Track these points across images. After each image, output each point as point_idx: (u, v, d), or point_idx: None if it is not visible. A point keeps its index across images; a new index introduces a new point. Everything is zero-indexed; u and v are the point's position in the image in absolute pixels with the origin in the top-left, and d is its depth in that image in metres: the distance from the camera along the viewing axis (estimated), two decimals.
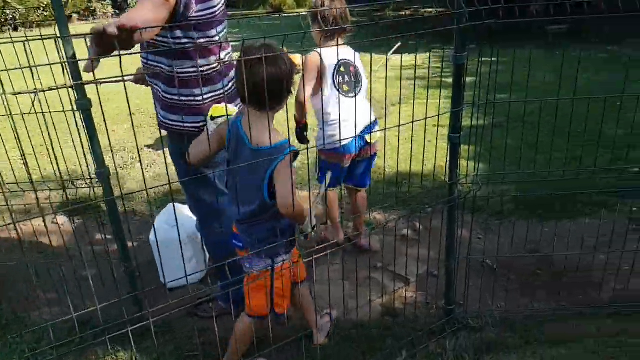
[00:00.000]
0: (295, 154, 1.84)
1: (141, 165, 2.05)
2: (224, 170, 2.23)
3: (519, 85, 6.39)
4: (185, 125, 2.16)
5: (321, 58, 2.62)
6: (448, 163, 2.11)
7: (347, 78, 2.76)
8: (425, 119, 2.13)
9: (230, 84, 2.29)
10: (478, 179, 2.15)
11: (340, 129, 2.58)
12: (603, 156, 4.00)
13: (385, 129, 3.69)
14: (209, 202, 2.35)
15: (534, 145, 3.02)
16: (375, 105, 5.37)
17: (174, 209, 1.74)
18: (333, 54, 2.65)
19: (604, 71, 7.14)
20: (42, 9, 19.15)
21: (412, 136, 3.06)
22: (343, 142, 2.73)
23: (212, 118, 2.08)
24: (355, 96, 2.78)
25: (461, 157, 4.54)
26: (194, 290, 2.79)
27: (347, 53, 2.79)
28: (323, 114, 2.75)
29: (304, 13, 2.82)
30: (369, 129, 2.85)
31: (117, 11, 22.34)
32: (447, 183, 2.15)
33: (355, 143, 2.78)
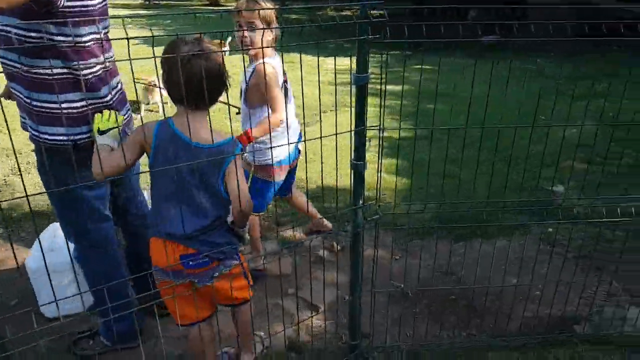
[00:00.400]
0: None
1: (19, 170, 1.73)
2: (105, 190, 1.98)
3: (448, 96, 6.53)
4: (57, 138, 1.87)
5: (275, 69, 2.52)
6: (352, 188, 1.94)
7: (285, 91, 2.64)
8: (336, 134, 1.93)
9: (115, 93, 2.02)
10: (379, 209, 1.97)
11: (288, 140, 2.55)
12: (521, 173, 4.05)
13: (320, 137, 3.51)
14: (89, 228, 2.06)
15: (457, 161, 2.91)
16: (307, 111, 5.14)
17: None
18: (277, 63, 2.52)
19: (535, 83, 7.37)
20: None
21: (336, 148, 2.88)
22: (285, 154, 2.69)
23: (100, 132, 1.82)
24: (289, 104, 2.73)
25: (385, 171, 4.60)
26: (80, 322, 2.49)
27: (279, 61, 2.55)
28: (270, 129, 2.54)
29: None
30: (300, 136, 2.87)
31: None
32: (353, 208, 1.97)
33: (295, 153, 2.86)
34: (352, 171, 1.87)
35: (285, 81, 2.61)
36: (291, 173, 2.95)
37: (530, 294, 2.72)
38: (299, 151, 2.91)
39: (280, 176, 2.74)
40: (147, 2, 19.26)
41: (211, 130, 1.64)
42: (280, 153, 2.63)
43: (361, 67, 1.70)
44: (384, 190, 3.98)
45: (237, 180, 1.71)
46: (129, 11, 17.15)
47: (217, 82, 1.70)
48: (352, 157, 1.85)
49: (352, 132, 1.81)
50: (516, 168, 4.14)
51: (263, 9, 2.42)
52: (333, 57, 9.08)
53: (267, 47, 2.46)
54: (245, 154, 2.67)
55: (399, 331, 2.49)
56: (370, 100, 6.29)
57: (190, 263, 1.77)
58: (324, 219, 3.37)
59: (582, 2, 11.36)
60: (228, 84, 1.76)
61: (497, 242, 3.26)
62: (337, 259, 3.15)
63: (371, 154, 4.69)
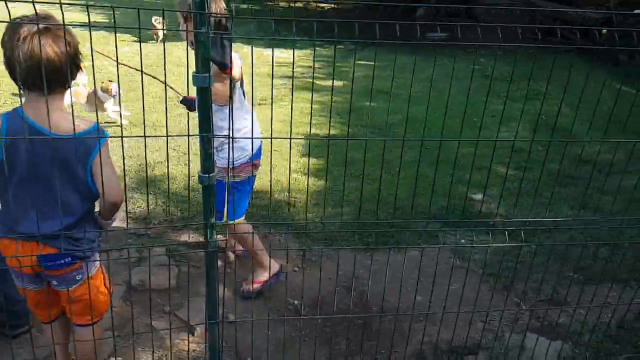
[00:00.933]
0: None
1: None
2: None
3: (387, 94, 6.31)
4: None
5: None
6: (203, 204, 1.62)
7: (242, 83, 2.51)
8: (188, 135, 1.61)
9: None
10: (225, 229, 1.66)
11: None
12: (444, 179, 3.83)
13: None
14: None
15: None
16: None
17: None
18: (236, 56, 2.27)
19: (476, 81, 7.24)
20: None
21: (271, 150, 2.59)
22: (254, 147, 2.53)
23: None
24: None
25: (301, 172, 4.29)
26: None
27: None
28: (232, 126, 2.11)
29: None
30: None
31: None
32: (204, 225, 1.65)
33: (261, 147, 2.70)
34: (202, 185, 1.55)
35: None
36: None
37: (434, 315, 2.50)
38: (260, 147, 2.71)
39: (254, 171, 2.61)
40: None
41: (73, 119, 1.47)
42: (250, 148, 2.44)
43: (199, 64, 1.37)
44: (297, 192, 3.69)
45: (107, 171, 1.57)
46: None
47: (65, 63, 1.49)
48: (200, 170, 1.53)
49: (191, 138, 1.48)
50: (445, 173, 3.96)
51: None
52: (271, 49, 8.72)
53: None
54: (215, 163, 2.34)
55: (283, 356, 2.21)
56: (306, 95, 5.95)
57: (50, 264, 1.64)
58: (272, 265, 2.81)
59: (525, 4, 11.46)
60: (82, 67, 1.61)
61: (407, 252, 3.02)
62: (234, 267, 2.84)
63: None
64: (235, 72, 2.26)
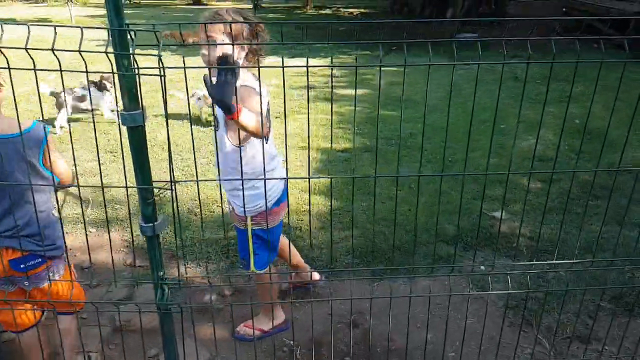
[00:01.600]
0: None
1: None
2: None
3: (410, 101, 6.03)
4: None
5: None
6: (150, 259, 1.44)
7: (269, 119, 2.10)
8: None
9: None
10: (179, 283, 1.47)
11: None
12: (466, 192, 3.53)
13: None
14: None
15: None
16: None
17: None
18: (256, 84, 1.92)
19: (505, 86, 6.85)
20: None
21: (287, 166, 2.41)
22: (279, 190, 2.15)
23: None
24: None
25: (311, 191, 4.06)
26: None
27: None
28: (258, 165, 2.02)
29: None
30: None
31: None
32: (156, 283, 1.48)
33: (286, 187, 2.19)
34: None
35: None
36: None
37: (445, 354, 2.24)
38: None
39: (279, 217, 2.21)
40: (128, 2, 18.77)
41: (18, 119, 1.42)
42: (274, 191, 2.11)
43: (126, 98, 1.20)
44: (303, 213, 3.48)
45: (55, 155, 1.73)
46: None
47: None
48: (140, 219, 1.36)
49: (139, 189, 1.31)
50: (465, 184, 3.66)
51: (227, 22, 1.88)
52: (294, 59, 8.60)
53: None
54: (234, 209, 2.16)
55: None
56: (326, 106, 5.75)
57: (22, 266, 1.70)
58: (312, 270, 2.68)
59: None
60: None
61: (418, 281, 2.76)
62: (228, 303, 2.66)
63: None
64: (250, 122, 1.72)
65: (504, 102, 5.70)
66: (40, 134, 1.69)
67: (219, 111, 1.97)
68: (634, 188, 1.76)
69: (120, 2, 1.18)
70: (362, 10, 15.33)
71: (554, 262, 1.94)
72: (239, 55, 1.95)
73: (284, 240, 2.48)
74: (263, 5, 14.89)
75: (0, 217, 1.64)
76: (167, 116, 1.32)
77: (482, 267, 2.88)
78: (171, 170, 1.28)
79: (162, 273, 1.38)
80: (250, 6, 13.72)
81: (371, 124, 5.24)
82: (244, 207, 1.98)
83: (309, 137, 1.41)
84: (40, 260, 1.71)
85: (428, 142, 4.67)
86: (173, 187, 1.29)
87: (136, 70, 1.18)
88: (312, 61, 8.58)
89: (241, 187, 1.78)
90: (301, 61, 8.56)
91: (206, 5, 18.22)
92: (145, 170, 1.26)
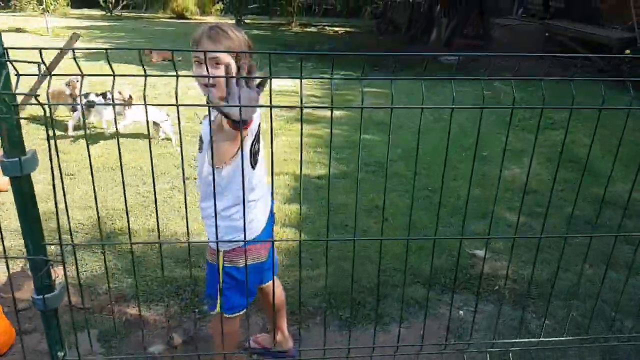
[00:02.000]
0: None
1: None
2: None
3: (395, 125, 5.83)
4: None
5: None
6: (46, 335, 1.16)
7: (259, 142, 1.84)
8: None
9: None
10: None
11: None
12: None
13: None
14: None
15: None
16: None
17: None
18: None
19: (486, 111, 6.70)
20: None
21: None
22: (261, 225, 1.89)
23: None
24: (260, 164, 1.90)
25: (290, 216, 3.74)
26: None
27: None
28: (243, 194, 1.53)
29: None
30: (272, 203, 1.97)
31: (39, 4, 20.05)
32: None
33: (271, 221, 1.98)
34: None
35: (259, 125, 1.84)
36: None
37: None
38: (274, 219, 2.06)
39: (259, 257, 1.93)
40: (109, 14, 18.51)
41: None
42: (253, 225, 1.85)
43: (7, 143, 0.94)
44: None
45: None
46: (91, 22, 16.39)
47: None
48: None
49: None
50: (444, 218, 3.42)
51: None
52: (277, 79, 8.33)
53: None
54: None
55: None
56: (304, 127, 5.47)
57: None
58: (288, 338, 2.38)
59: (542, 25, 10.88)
60: None
61: (391, 329, 2.51)
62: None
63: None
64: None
65: (486, 128, 5.54)
66: None
67: (204, 131, 1.75)
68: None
69: None
70: (348, 29, 15.27)
71: (540, 339, 1.70)
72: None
73: (277, 292, 2.17)
74: (247, 21, 14.71)
75: None
76: (58, 156, 1.06)
77: (461, 312, 2.65)
78: (57, 230, 1.02)
79: (62, 354, 1.11)
80: (233, 21, 13.54)
81: (350, 148, 5.02)
82: (216, 240, 1.64)
83: (272, 166, 1.16)
84: None
85: (408, 169, 4.46)
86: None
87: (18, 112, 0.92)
88: (296, 80, 8.38)
89: (220, 217, 1.69)
90: (280, 80, 8.35)
91: (189, 19, 18.01)
92: (35, 233, 0.99)
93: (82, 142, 4.97)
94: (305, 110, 6.38)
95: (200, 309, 2.65)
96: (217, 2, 18.53)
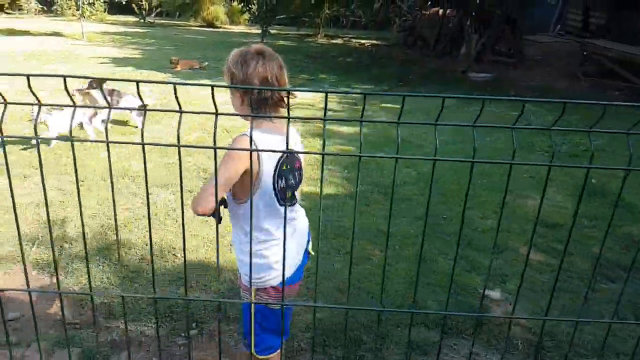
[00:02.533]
0: None
1: None
2: None
3: (411, 143, 5.56)
4: None
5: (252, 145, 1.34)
6: None
7: (291, 179, 1.71)
8: None
9: None
10: None
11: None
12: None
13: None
14: None
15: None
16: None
17: None
18: (274, 141, 1.61)
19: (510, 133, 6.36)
20: None
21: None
22: (288, 269, 1.75)
23: None
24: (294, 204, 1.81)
25: None
26: None
27: (291, 136, 1.50)
28: (250, 232, 1.37)
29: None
30: (309, 238, 1.91)
31: (43, 7, 20.68)
32: None
33: (301, 268, 1.86)
34: None
35: (295, 162, 1.73)
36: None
37: None
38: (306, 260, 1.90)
39: (288, 298, 1.85)
40: (142, 21, 18.83)
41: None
42: (279, 266, 1.68)
43: None
44: None
45: None
46: (125, 28, 16.69)
47: None
48: None
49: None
50: (452, 251, 3.16)
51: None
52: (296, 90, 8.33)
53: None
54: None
55: None
56: (315, 142, 5.26)
57: None
58: None
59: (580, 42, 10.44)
60: None
61: None
62: None
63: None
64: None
65: (510, 153, 5.22)
66: None
67: None
68: None
69: None
70: (374, 41, 15.06)
71: None
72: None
73: None
74: (272, 32, 14.68)
75: None
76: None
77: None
78: None
79: None
80: (259, 31, 13.52)
81: (363, 168, 4.79)
82: (250, 276, 1.62)
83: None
84: None
85: (421, 193, 4.20)
86: None
87: None
88: (314, 93, 8.21)
89: (244, 252, 1.63)
90: (302, 93, 8.19)
91: (218, 28, 18.15)
92: None
93: (91, 148, 4.88)
94: (319, 124, 6.18)
95: (187, 333, 2.48)
96: (244, 13, 18.65)
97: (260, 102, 1.60)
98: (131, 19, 19.50)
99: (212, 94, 0.93)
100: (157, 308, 2.67)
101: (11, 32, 13.78)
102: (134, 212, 3.64)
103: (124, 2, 18.34)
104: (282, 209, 1.66)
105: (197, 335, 2.52)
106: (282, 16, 14.87)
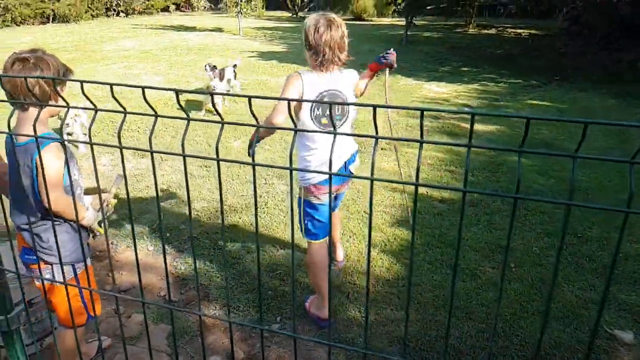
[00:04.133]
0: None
1: None
2: None
3: (554, 146, 4.89)
4: None
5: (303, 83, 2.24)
6: None
7: (327, 110, 2.29)
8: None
9: None
10: None
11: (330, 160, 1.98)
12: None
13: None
14: None
15: None
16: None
17: None
18: (319, 82, 2.27)
19: None
20: None
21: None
22: (322, 175, 2.37)
23: None
24: (337, 127, 2.33)
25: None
26: None
27: (338, 83, 2.30)
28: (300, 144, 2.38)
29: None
30: (353, 158, 2.47)
31: (211, 5, 22.89)
32: None
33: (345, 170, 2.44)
34: None
35: (337, 99, 2.30)
36: (337, 197, 2.66)
37: None
38: (351, 172, 2.47)
39: (320, 197, 2.37)
40: (294, 16, 19.72)
41: (35, 128, 1.29)
42: (312, 175, 2.32)
43: None
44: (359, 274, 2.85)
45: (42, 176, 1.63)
46: (277, 24, 17.70)
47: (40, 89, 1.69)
48: None
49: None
50: (585, 276, 2.64)
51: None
52: (432, 83, 7.88)
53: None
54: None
55: None
56: (442, 140, 4.92)
57: (26, 256, 1.86)
58: (326, 307, 2.49)
59: None
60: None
61: None
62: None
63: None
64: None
65: None
66: (31, 148, 1.70)
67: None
68: None
69: None
70: (533, 31, 13.70)
71: None
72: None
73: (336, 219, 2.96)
74: (417, 23, 14.18)
75: (22, 211, 1.79)
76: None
77: None
78: None
79: None
80: (403, 23, 13.17)
81: (490, 171, 4.34)
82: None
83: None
84: (34, 257, 1.82)
85: (555, 206, 3.65)
86: None
87: None
88: (454, 86, 7.74)
89: (300, 157, 2.37)
90: (438, 86, 7.77)
91: (365, 21, 18.20)
92: None
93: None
94: (453, 122, 5.77)
95: (271, 327, 2.47)
96: (389, 4, 18.37)
97: (324, 61, 2.22)
98: (285, 14, 20.59)
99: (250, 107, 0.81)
100: (247, 297, 2.70)
101: (181, 28, 15.48)
102: (247, 200, 3.77)
103: None
104: (319, 128, 2.26)
105: (280, 330, 2.50)
106: (431, 6, 14.31)
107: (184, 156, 0.78)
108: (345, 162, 2.40)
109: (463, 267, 2.91)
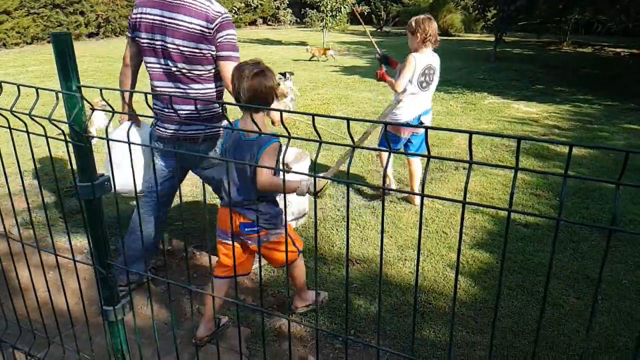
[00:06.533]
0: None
1: None
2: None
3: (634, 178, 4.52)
4: None
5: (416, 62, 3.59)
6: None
7: (427, 78, 3.65)
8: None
9: None
10: None
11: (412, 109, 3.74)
12: None
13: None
14: None
15: None
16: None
17: None
18: (424, 58, 3.58)
19: None
20: (233, 12, 21.21)
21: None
22: (407, 119, 3.72)
23: None
24: (426, 90, 3.73)
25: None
26: None
27: (433, 59, 3.64)
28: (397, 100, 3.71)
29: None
30: (426, 112, 3.80)
31: (297, 19, 23.60)
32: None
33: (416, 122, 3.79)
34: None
35: (432, 70, 3.65)
36: (414, 139, 3.87)
37: None
38: (421, 122, 3.76)
39: (401, 134, 3.82)
40: (378, 30, 19.83)
41: (258, 128, 1.61)
42: (402, 117, 3.70)
43: (81, 173, 1.00)
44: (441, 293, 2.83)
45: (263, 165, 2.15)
46: (360, 38, 17.91)
47: (264, 96, 2.14)
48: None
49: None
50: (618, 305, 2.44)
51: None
52: (521, 103, 7.62)
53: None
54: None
55: None
56: (529, 162, 4.74)
57: (246, 230, 2.28)
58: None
59: None
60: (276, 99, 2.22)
61: None
62: None
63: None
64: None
65: None
66: (259, 143, 2.15)
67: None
68: None
69: (70, 62, 0.96)
70: (634, 50, 12.77)
71: None
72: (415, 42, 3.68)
73: (417, 170, 4.02)
74: (506, 39, 13.70)
75: (245, 193, 2.23)
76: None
77: None
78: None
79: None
80: (492, 39, 12.80)
81: (578, 197, 4.12)
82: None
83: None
84: (255, 229, 2.25)
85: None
86: None
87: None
88: (544, 106, 7.42)
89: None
90: (527, 105, 7.48)
91: (452, 37, 17.89)
92: (100, 251, 1.02)
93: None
94: (541, 144, 5.54)
95: (339, 340, 2.52)
96: (478, 20, 17.91)
97: (426, 40, 3.52)
98: (370, 28, 20.76)
99: (348, 126, 0.90)
100: (323, 309, 2.76)
101: (267, 41, 16.09)
102: (325, 212, 3.86)
103: (365, 13, 19.61)
104: (420, 89, 3.66)
105: (353, 344, 2.53)
106: (523, 22, 13.81)
107: (347, 183, 0.87)
108: (419, 115, 3.72)
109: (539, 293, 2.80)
